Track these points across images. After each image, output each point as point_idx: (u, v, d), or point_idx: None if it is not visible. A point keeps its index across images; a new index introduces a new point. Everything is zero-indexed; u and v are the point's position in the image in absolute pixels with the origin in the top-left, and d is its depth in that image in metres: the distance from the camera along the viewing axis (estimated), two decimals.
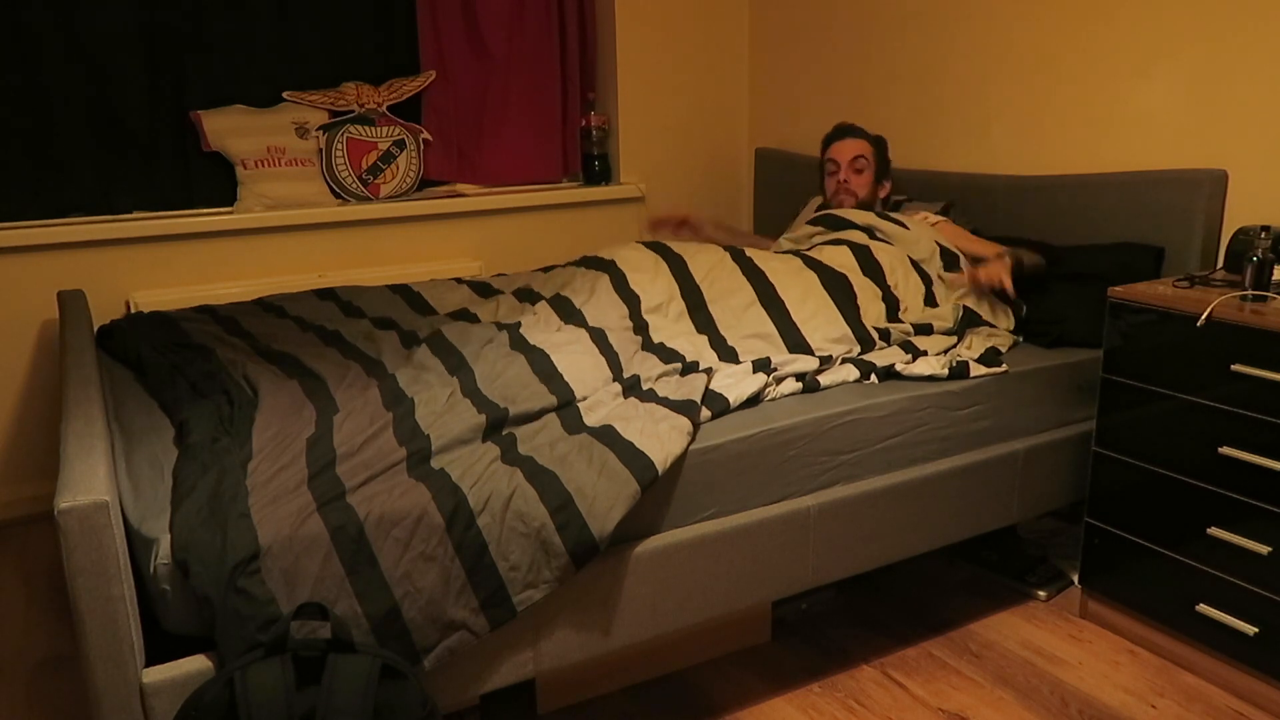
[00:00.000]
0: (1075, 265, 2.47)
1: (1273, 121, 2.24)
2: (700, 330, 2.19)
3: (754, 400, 1.96)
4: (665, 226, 2.93)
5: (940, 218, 2.74)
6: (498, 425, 1.76)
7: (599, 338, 2.08)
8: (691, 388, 1.89)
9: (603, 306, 2.20)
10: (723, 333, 2.18)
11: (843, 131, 2.89)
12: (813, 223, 2.73)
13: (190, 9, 2.97)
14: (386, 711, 1.36)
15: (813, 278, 2.32)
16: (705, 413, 1.88)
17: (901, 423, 2.03)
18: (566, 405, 1.85)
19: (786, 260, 2.39)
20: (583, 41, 3.59)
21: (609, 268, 2.33)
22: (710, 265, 2.33)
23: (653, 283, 2.27)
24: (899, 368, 2.12)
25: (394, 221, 3.29)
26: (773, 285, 2.28)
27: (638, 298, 2.23)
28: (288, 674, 1.33)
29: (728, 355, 2.11)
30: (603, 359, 2.01)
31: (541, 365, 1.94)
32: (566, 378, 1.91)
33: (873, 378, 2.10)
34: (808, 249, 2.56)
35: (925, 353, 2.21)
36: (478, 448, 1.69)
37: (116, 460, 1.64)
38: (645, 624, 1.77)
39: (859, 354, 2.19)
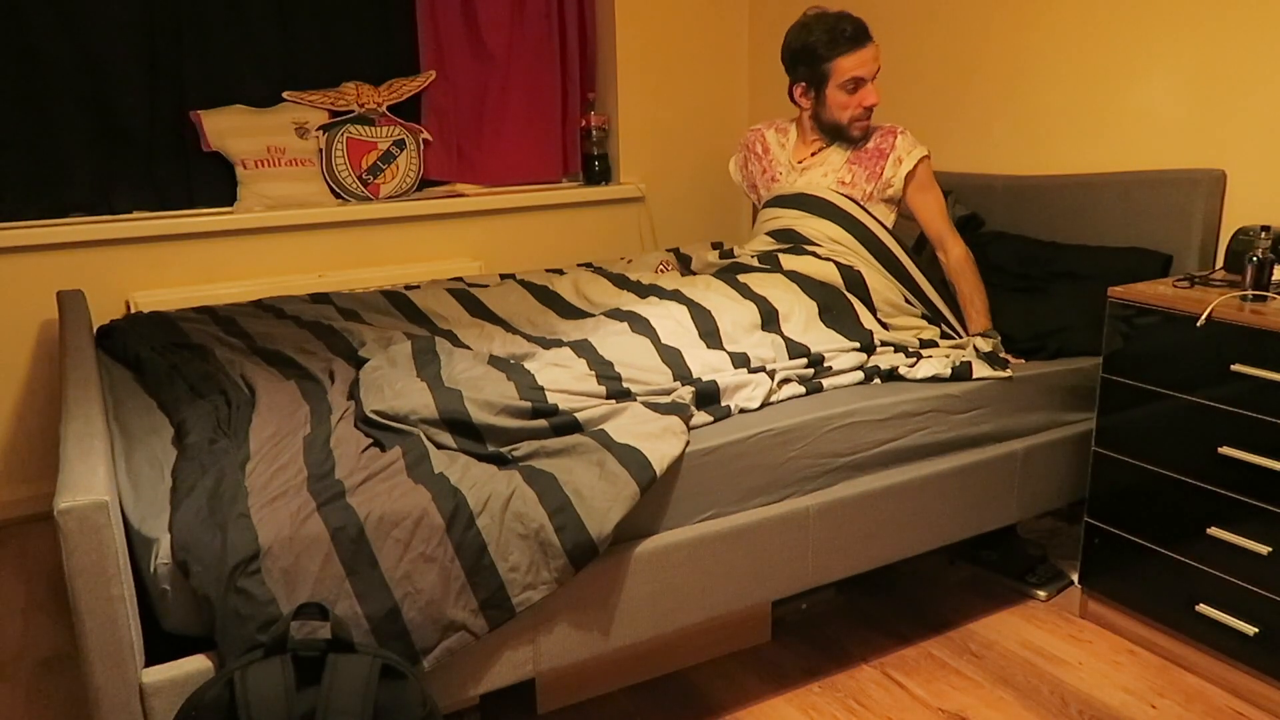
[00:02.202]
0: (1080, 267, 2.47)
1: (1272, 121, 2.24)
2: (710, 345, 2.12)
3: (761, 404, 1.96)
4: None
5: (921, 154, 2.43)
6: (453, 417, 1.71)
7: (584, 348, 1.98)
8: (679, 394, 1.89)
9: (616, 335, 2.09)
10: (727, 347, 2.10)
11: (864, 31, 2.38)
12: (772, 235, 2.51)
13: (190, 9, 2.97)
14: (386, 711, 1.36)
15: (811, 306, 2.23)
16: (705, 416, 1.89)
17: (901, 426, 2.02)
18: (544, 406, 1.77)
19: (775, 281, 2.29)
20: (583, 41, 3.59)
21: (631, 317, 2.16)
22: (707, 284, 2.29)
23: (676, 321, 2.13)
24: (902, 371, 2.12)
25: (394, 221, 3.29)
26: (776, 310, 2.19)
27: (655, 330, 2.10)
28: (288, 674, 1.33)
29: (740, 362, 2.07)
30: (582, 361, 1.92)
31: (514, 370, 1.89)
32: (540, 380, 1.83)
33: (875, 381, 2.09)
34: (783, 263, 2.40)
35: (929, 356, 2.20)
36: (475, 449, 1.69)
37: (116, 460, 1.64)
38: (645, 624, 1.77)
39: (863, 362, 2.15)
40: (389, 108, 3.28)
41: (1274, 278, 1.93)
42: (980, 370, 2.14)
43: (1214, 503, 1.93)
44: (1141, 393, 2.03)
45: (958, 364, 2.14)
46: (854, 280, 2.33)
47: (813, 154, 2.55)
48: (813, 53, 2.39)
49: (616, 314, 2.19)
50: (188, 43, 2.99)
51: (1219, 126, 2.34)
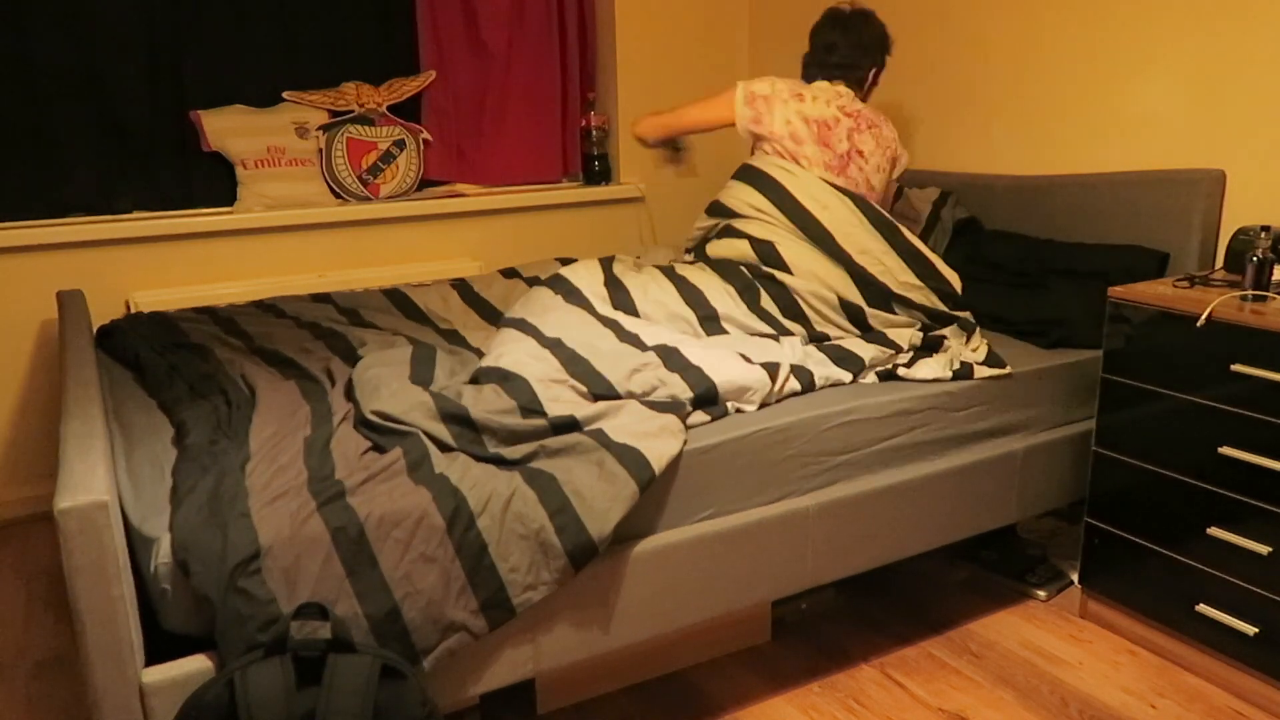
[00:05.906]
0: (1076, 264, 2.47)
1: (1271, 121, 2.24)
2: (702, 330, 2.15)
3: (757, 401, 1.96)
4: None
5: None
6: (452, 412, 1.72)
7: (557, 347, 1.98)
8: (674, 385, 1.89)
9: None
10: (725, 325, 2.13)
11: None
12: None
13: (190, 9, 2.98)
14: (386, 712, 1.36)
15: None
16: (703, 415, 1.89)
17: (899, 424, 2.03)
18: (538, 408, 1.78)
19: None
20: (583, 41, 3.60)
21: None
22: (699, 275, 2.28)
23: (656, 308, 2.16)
24: (900, 371, 2.12)
25: (394, 221, 3.29)
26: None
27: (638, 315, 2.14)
28: (288, 674, 1.33)
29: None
30: (549, 355, 1.94)
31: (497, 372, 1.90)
32: (522, 374, 1.85)
33: (871, 377, 2.09)
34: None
35: (924, 354, 2.20)
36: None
37: (116, 460, 1.64)
38: (645, 624, 1.77)
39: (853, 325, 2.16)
40: (389, 108, 3.28)
41: (1274, 278, 1.93)
42: (981, 372, 2.14)
43: (1214, 503, 1.93)
44: (1141, 392, 2.03)
45: (957, 366, 2.14)
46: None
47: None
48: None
49: (636, 342, 2.08)
50: (188, 43, 2.99)
51: (1219, 126, 2.34)
